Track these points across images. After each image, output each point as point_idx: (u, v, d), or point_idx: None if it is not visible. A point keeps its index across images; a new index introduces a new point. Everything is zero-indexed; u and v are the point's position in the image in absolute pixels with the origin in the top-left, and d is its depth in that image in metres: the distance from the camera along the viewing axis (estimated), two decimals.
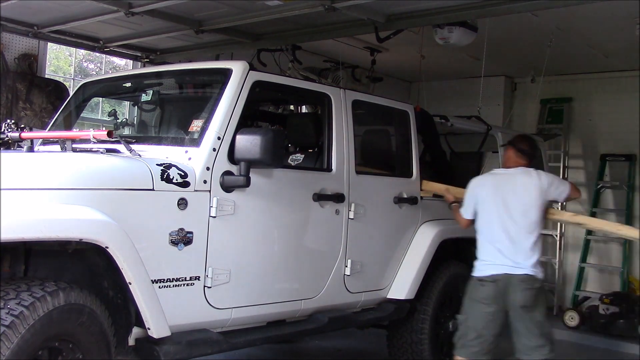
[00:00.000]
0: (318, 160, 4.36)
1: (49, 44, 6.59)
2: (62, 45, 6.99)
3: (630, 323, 7.08)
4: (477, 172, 6.58)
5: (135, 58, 7.18)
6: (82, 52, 7.26)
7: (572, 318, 7.51)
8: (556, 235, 8.57)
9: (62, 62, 7.74)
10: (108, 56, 7.27)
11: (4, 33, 6.01)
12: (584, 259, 8.32)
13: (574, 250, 8.56)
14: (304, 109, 6.33)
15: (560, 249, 8.54)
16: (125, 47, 6.85)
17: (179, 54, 7.00)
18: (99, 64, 7.89)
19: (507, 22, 6.04)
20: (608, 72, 8.24)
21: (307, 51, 7.47)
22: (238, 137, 3.48)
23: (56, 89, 6.32)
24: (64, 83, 6.58)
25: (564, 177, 8.59)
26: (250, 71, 3.72)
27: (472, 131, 5.96)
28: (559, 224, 8.56)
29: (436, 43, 5.79)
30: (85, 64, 7.99)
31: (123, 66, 7.05)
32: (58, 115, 4.66)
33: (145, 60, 7.13)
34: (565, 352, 6.83)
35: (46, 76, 6.49)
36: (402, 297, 4.67)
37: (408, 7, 5.21)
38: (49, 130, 4.54)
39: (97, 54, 7.17)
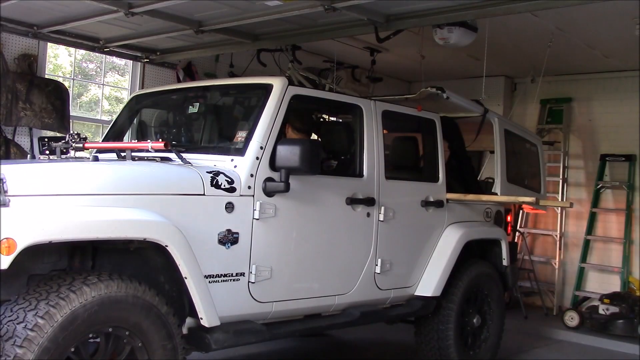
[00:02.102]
0: (350, 167, 4.62)
1: (49, 44, 6.58)
2: (61, 46, 6.98)
3: (630, 323, 7.08)
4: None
5: (135, 58, 7.18)
6: (82, 52, 7.24)
7: (572, 318, 7.51)
8: (556, 235, 8.58)
9: (63, 61, 7.75)
10: (108, 56, 7.26)
11: (4, 33, 6.01)
12: (584, 259, 8.32)
13: (574, 250, 8.56)
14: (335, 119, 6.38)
15: (560, 249, 8.55)
16: (125, 47, 6.85)
17: (179, 54, 7.00)
18: (98, 64, 7.88)
19: (507, 22, 6.04)
20: (608, 72, 8.24)
21: (307, 51, 7.48)
22: (279, 147, 3.79)
23: (56, 89, 6.31)
24: (64, 83, 6.57)
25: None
26: (289, 86, 4.05)
27: (468, 109, 5.78)
28: (559, 224, 8.58)
29: (436, 43, 5.79)
30: (85, 64, 7.99)
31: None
32: (112, 125, 5.04)
33: (145, 60, 7.13)
34: (566, 352, 6.84)
35: (46, 76, 6.48)
36: (429, 294, 4.93)
37: (408, 7, 5.20)
38: (103, 138, 4.99)
39: (97, 54, 7.15)
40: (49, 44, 6.60)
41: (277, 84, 4.04)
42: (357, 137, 4.55)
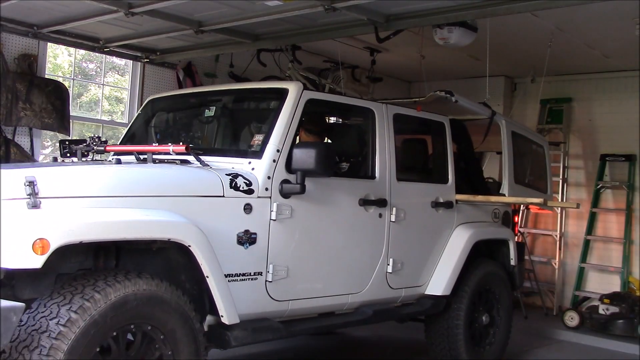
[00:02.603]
0: (363, 169, 4.71)
1: (49, 44, 6.58)
2: (61, 46, 6.98)
3: (630, 323, 7.08)
4: None
5: (135, 58, 7.18)
6: (82, 52, 7.24)
7: (572, 318, 7.51)
8: (556, 235, 8.58)
9: (63, 61, 7.74)
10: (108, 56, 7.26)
11: (4, 33, 6.01)
12: (584, 259, 8.32)
13: (574, 250, 8.56)
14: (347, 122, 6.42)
15: (560, 249, 8.55)
16: (125, 47, 6.85)
17: (179, 54, 7.00)
18: (98, 64, 7.88)
19: (507, 22, 6.04)
20: (608, 72, 8.24)
21: (307, 51, 7.48)
22: (295, 150, 3.91)
23: (56, 89, 6.31)
24: (64, 83, 6.56)
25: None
26: (304, 91, 4.16)
27: (475, 112, 5.80)
28: (559, 224, 8.58)
29: (436, 43, 5.79)
30: (85, 64, 7.98)
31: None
32: (129, 129, 5.13)
33: (145, 60, 7.13)
34: (566, 352, 6.84)
35: (46, 76, 6.47)
36: (439, 293, 5.05)
37: (408, 7, 5.21)
38: (121, 141, 5.07)
39: (97, 54, 7.15)
40: (49, 44, 6.60)
41: (292, 88, 4.15)
42: (369, 140, 4.65)
